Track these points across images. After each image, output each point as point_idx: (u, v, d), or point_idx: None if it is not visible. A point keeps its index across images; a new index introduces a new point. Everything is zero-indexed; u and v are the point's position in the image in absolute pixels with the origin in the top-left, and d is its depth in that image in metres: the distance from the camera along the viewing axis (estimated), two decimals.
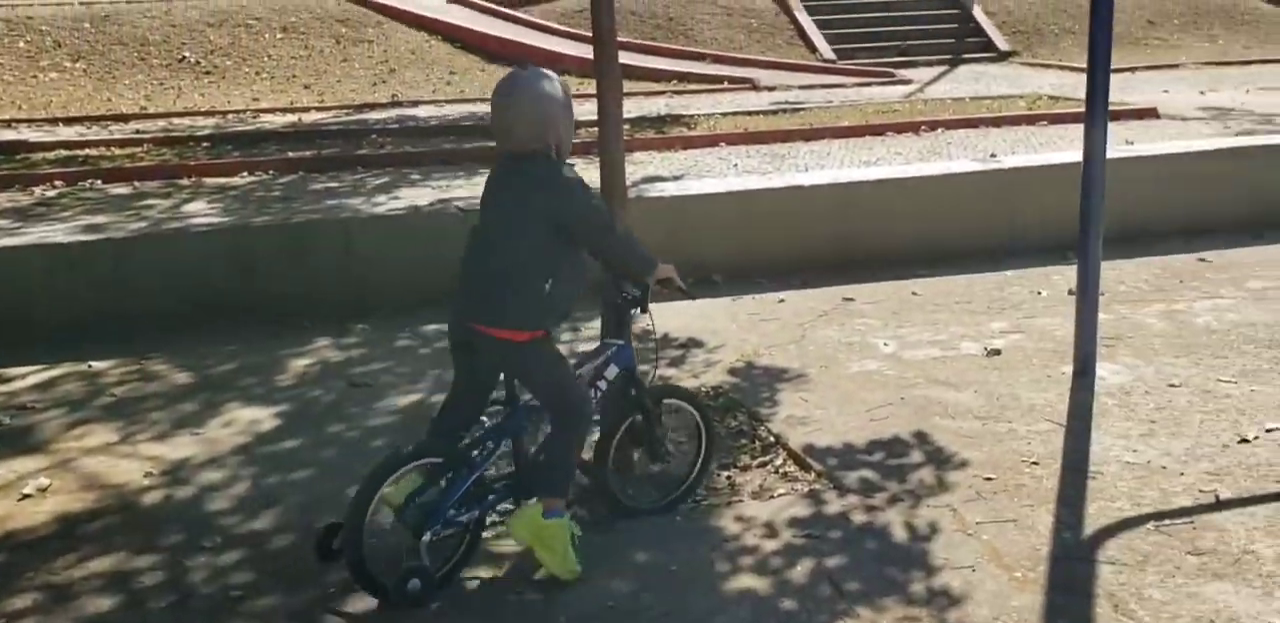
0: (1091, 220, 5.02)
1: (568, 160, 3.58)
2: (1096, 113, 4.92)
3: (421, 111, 12.78)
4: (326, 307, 6.34)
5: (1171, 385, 5.11)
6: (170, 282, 6.15)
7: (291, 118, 12.34)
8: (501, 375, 3.69)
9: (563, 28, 18.30)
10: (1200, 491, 4.11)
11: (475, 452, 3.63)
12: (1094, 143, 4.93)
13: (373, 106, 13.38)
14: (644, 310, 3.93)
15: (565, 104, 3.50)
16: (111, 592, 3.61)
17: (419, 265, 6.39)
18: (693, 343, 5.87)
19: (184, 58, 15.59)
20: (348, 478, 4.36)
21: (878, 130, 11.56)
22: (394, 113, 12.63)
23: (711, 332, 6.04)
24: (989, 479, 4.24)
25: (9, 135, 10.86)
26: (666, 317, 6.25)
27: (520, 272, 3.50)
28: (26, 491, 4.32)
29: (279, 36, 16.37)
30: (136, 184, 8.73)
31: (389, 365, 5.65)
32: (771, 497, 4.19)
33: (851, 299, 6.55)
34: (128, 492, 4.33)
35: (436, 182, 9.04)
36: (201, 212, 7.78)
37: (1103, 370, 5.28)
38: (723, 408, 5.02)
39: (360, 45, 16.59)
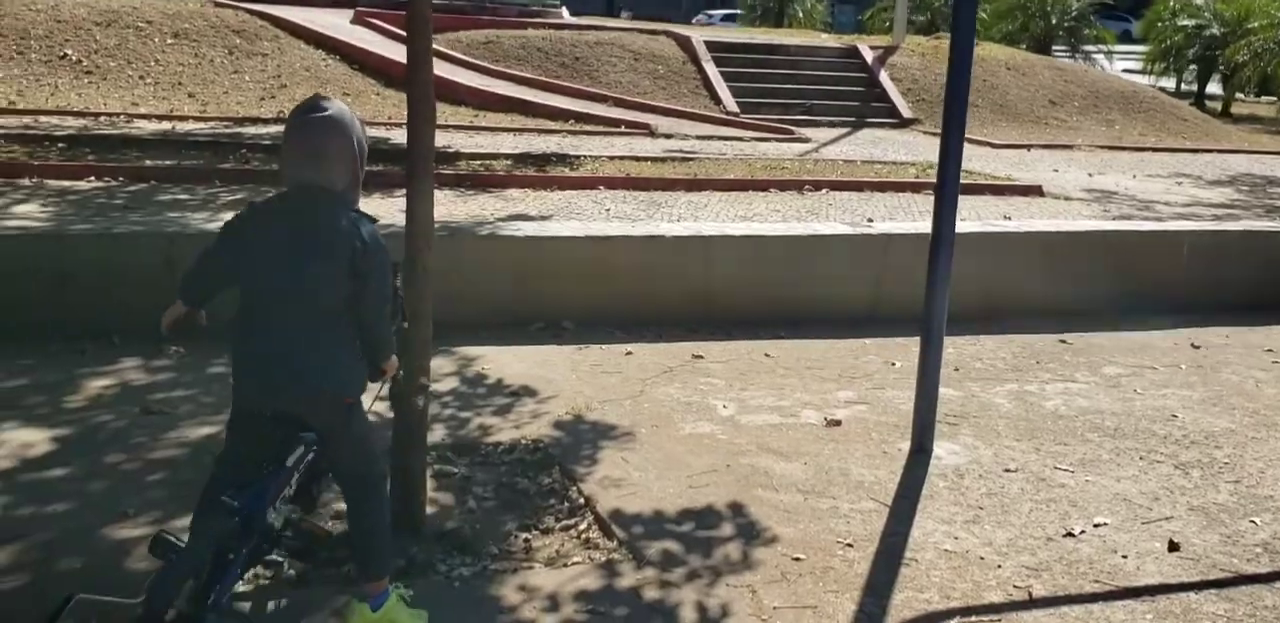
0: (936, 296, 4.87)
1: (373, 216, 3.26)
2: (947, 189, 4.79)
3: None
4: (143, 325, 5.89)
5: (1007, 471, 4.94)
6: None
7: (166, 126, 11.84)
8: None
9: (465, 58, 18.05)
10: (1015, 585, 3.90)
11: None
12: (943, 217, 4.79)
13: (254, 121, 12.93)
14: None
15: (364, 139, 3.22)
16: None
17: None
18: (524, 391, 5.57)
19: (66, 55, 14.97)
20: (109, 515, 3.97)
21: (762, 186, 11.43)
22: (274, 129, 12.19)
23: (547, 381, 5.75)
24: (797, 559, 3.99)
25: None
26: (504, 361, 5.97)
27: (339, 329, 3.16)
28: None
29: (169, 42, 15.83)
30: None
31: (194, 393, 5.26)
32: (565, 565, 3.88)
33: (701, 357, 6.31)
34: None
35: None
36: (29, 214, 7.30)
37: (940, 449, 5.09)
38: (537, 464, 4.72)
39: (254, 58, 16.12)
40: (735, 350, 6.48)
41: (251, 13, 17.31)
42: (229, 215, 7.79)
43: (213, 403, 5.14)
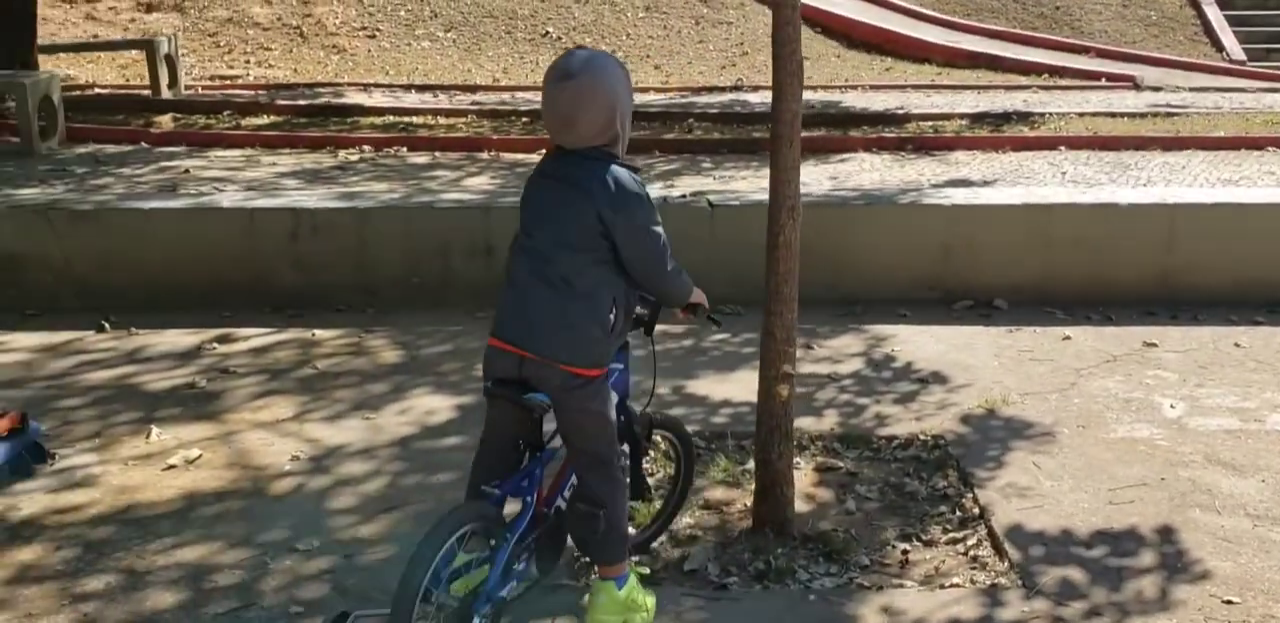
0: None
1: (634, 164, 3.01)
2: None
3: (756, 97, 12.29)
4: None
5: None
6: (410, 256, 6.02)
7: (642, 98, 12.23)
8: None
9: (935, 14, 17.24)
10: None
11: (512, 515, 3.09)
12: None
13: (711, 90, 13.03)
14: (649, 333, 3.36)
15: (630, 92, 2.95)
16: (179, 588, 3.40)
17: None
18: (935, 378, 5.07)
19: (547, 33, 15.86)
20: None
21: (1257, 143, 9.92)
22: (727, 98, 12.21)
23: (964, 367, 5.21)
24: (1229, 602, 3.28)
25: (356, 99, 11.32)
26: (919, 343, 5.49)
27: (589, 297, 2.94)
28: (173, 461, 4.23)
29: (640, 15, 16.34)
30: (437, 155, 8.79)
31: None
32: (942, 586, 3.42)
33: (1154, 345, 5.49)
34: (264, 475, 4.14)
35: (723, 171, 8.52)
36: (475, 187, 7.67)
37: None
38: (933, 464, 4.24)
39: (719, 27, 16.28)
40: (1197, 338, 5.58)
41: None
42: (657, 186, 7.78)
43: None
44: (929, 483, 4.10)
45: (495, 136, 9.35)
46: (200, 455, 4.29)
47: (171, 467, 4.20)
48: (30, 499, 3.93)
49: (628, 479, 3.19)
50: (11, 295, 5.95)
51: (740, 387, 4.92)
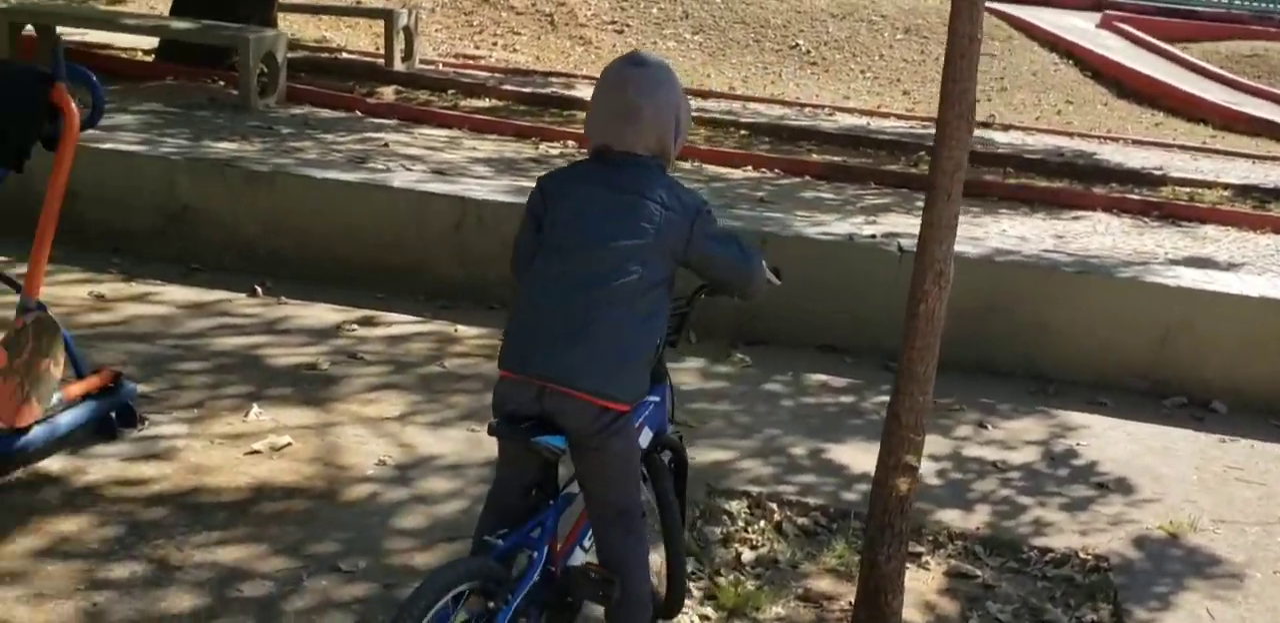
0: None
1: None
2: None
3: (1003, 137, 11.49)
4: (730, 327, 5.56)
5: None
6: None
7: (862, 121, 11.60)
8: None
9: (1220, 71, 15.91)
10: None
11: (518, 570, 2.65)
12: None
13: None
14: (674, 345, 2.92)
15: (688, 112, 2.73)
16: (201, 592, 3.12)
17: (813, 298, 5.42)
18: (1118, 485, 4.38)
19: (796, 45, 15.40)
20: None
21: None
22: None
23: (1155, 476, 4.49)
24: None
25: (584, 91, 11.14)
26: (1111, 439, 4.80)
27: (649, 320, 2.59)
28: (259, 446, 3.99)
29: (898, 37, 15.69)
30: None
31: (731, 409, 4.75)
32: None
33: None
34: (342, 477, 3.85)
35: None
36: None
37: None
38: (1086, 590, 3.60)
39: (980, 58, 15.49)
40: None
41: (989, 11, 16.66)
42: (859, 219, 7.24)
43: (745, 425, 4.61)
44: (1074, 613, 3.47)
45: (703, 146, 8.96)
46: (288, 444, 4.04)
47: (254, 452, 3.96)
48: (101, 465, 3.75)
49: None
50: (181, 248, 5.90)
51: None
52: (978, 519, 4.00)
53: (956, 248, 5.56)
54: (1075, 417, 5.02)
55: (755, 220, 5.97)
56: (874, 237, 5.69)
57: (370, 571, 3.30)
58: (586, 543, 2.86)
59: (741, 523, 3.84)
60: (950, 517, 3.99)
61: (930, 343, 3.02)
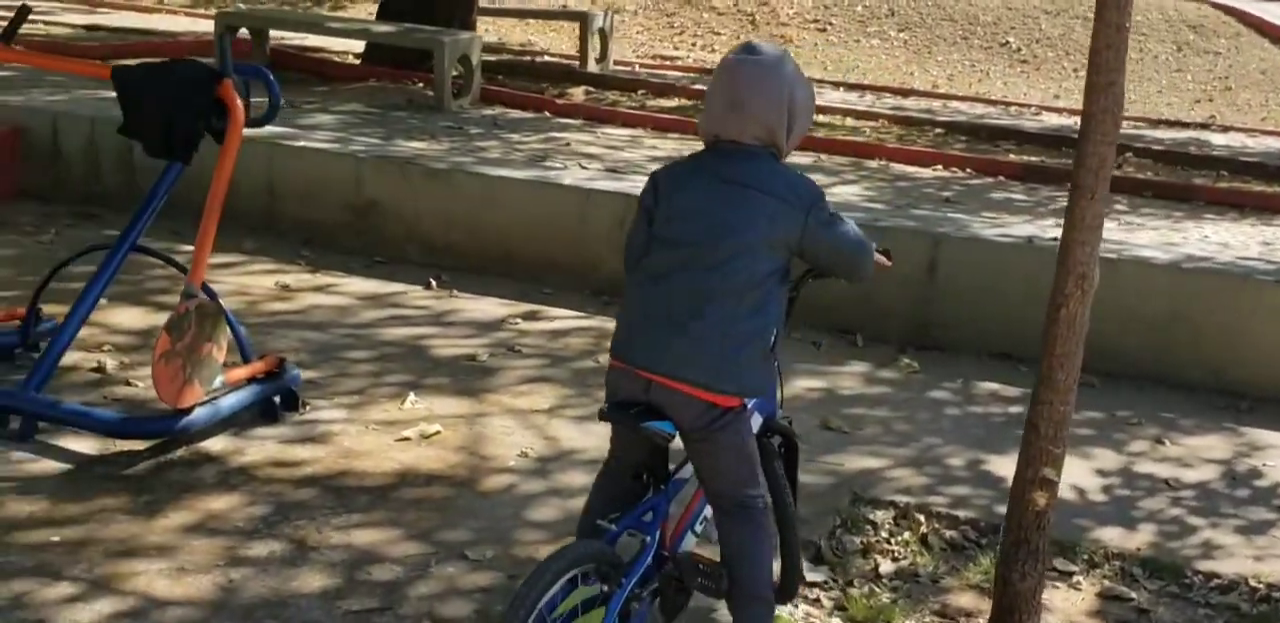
0: None
1: None
2: None
3: (1221, 139, 10.79)
4: (884, 331, 5.42)
5: None
6: None
7: (1069, 121, 11.10)
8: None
9: None
10: None
11: (630, 554, 2.65)
12: None
13: (1171, 124, 11.60)
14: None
15: (811, 99, 2.66)
16: (332, 573, 3.22)
17: (989, 303, 5.22)
18: None
19: (1007, 42, 14.85)
20: None
21: None
22: (1185, 135, 10.79)
23: None
24: None
25: None
26: None
27: (761, 312, 2.55)
28: (409, 433, 4.10)
29: None
30: (822, 156, 8.30)
31: (892, 416, 4.61)
32: None
33: None
34: (484, 467, 3.91)
35: (1136, 217, 7.37)
36: (842, 195, 7.12)
37: None
38: (1252, 621, 3.33)
39: (1203, 56, 14.58)
40: None
41: (1216, 6, 15.69)
42: (1049, 222, 6.93)
43: (902, 433, 4.46)
44: None
45: (892, 145, 8.73)
46: (437, 432, 4.12)
47: (405, 439, 4.07)
48: (259, 447, 3.92)
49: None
50: (367, 242, 6.12)
51: None
52: (1140, 539, 3.76)
53: (1142, 253, 5.32)
54: (1266, 436, 4.66)
55: (931, 221, 5.79)
56: (1056, 239, 5.41)
57: (496, 560, 3.33)
58: (698, 528, 2.87)
59: (885, 534, 3.72)
60: (1110, 535, 3.76)
61: (1071, 350, 2.86)
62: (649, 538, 2.65)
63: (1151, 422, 4.72)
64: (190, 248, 3.99)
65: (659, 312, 2.56)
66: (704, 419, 2.55)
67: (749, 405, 2.66)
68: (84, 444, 3.80)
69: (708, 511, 2.82)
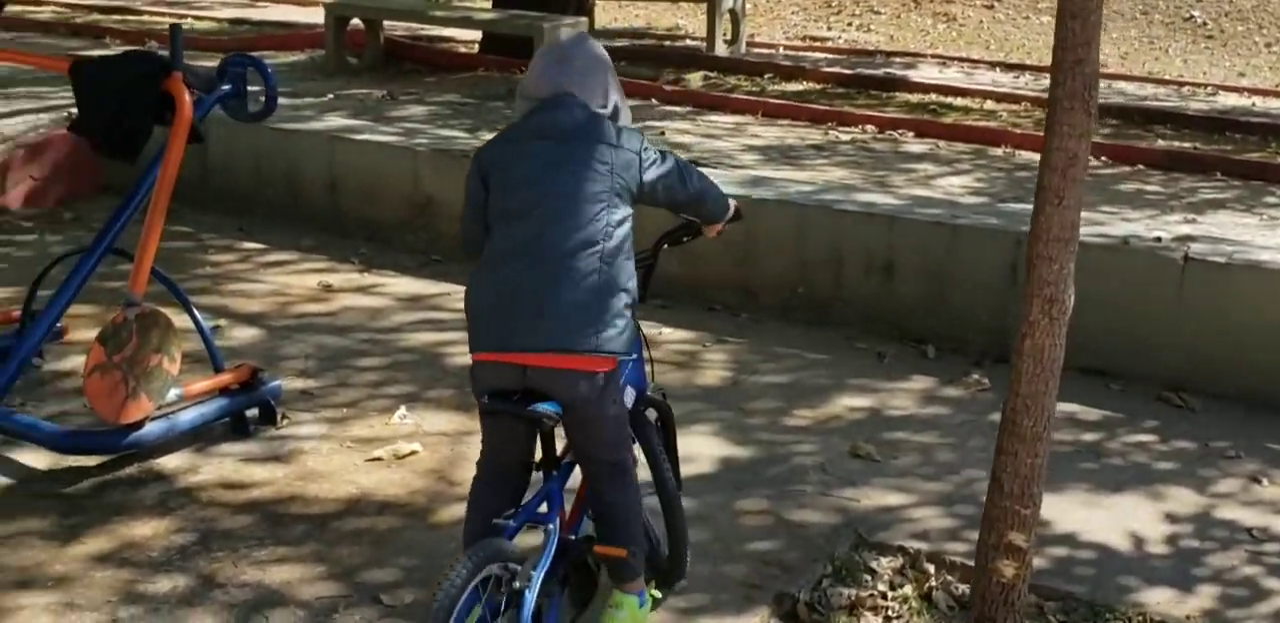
0: None
1: None
2: None
3: None
4: (962, 341, 4.84)
5: None
6: (797, 260, 5.11)
7: (1247, 102, 9.99)
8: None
9: None
10: None
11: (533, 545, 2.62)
12: None
13: None
14: (642, 300, 2.78)
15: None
16: (233, 614, 2.93)
17: (1077, 311, 4.55)
18: None
19: (1191, 17, 13.60)
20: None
21: None
22: None
23: None
24: None
25: (923, 72, 10.29)
26: None
27: (605, 267, 2.54)
28: (381, 453, 3.80)
29: None
30: (941, 143, 7.59)
31: (939, 442, 4.07)
32: None
33: None
34: (445, 494, 3.57)
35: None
36: (944, 187, 6.45)
37: None
38: None
39: None
40: None
41: None
42: (1175, 218, 6.16)
43: (942, 464, 3.92)
44: None
45: (1019, 130, 7.96)
46: (413, 452, 3.81)
47: (376, 459, 3.77)
48: (216, 465, 3.68)
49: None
50: (424, 239, 5.88)
51: (1109, 517, 3.58)
52: (1195, 605, 3.14)
53: (1256, 256, 4.57)
54: None
55: (1021, 217, 5.14)
56: (1158, 239, 4.73)
57: (413, 607, 2.98)
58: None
59: (883, 586, 3.21)
60: (1158, 598, 3.16)
61: (1040, 390, 2.33)
62: (551, 525, 2.63)
63: (1253, 455, 4.03)
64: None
65: (517, 292, 2.53)
66: (586, 391, 2.53)
67: (622, 369, 2.64)
68: (38, 458, 3.64)
69: None
